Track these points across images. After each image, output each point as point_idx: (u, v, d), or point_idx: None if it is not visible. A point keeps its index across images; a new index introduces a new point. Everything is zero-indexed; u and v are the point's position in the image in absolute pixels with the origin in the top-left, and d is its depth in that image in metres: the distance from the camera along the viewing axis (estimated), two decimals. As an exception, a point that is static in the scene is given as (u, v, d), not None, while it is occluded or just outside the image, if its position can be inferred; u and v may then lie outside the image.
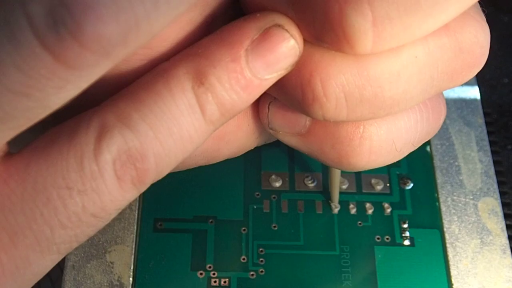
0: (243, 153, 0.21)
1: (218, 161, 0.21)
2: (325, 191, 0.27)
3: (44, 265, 0.17)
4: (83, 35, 0.13)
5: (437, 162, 0.27)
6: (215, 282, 0.24)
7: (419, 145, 0.20)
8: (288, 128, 0.20)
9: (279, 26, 0.17)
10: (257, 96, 0.17)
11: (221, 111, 0.17)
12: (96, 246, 0.25)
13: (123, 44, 0.14)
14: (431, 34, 0.17)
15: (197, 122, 0.17)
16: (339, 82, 0.17)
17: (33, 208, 0.16)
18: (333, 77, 0.17)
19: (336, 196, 0.26)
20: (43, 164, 0.16)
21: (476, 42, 0.17)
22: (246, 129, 0.20)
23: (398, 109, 0.18)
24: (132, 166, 0.16)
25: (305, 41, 0.17)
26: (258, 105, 0.20)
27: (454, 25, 0.17)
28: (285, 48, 0.17)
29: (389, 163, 0.20)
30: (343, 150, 0.19)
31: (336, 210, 0.26)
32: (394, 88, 0.17)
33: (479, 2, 0.18)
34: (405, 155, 0.20)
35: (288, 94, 0.18)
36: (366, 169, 0.20)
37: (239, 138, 0.20)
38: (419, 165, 0.27)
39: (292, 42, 0.17)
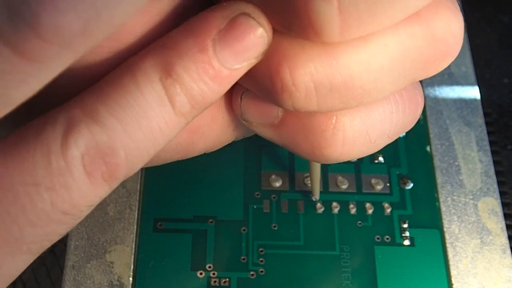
0: (220, 147, 0.21)
1: (194, 155, 0.21)
2: (325, 191, 0.27)
3: (15, 266, 0.16)
4: (41, 26, 0.13)
5: (437, 162, 0.27)
6: (215, 282, 0.24)
7: (396, 137, 0.20)
8: (261, 119, 0.19)
9: (246, 14, 0.16)
10: (228, 87, 0.17)
11: (191, 103, 0.17)
12: (96, 246, 0.25)
13: (84, 35, 0.13)
14: (401, 22, 0.16)
15: (167, 115, 0.16)
16: (308, 71, 0.16)
17: (0, 207, 0.15)
18: (301, 66, 0.16)
19: (317, 189, 0.26)
20: (10, 162, 0.15)
21: (448, 31, 0.17)
22: (221, 122, 0.20)
23: (370, 99, 0.17)
24: (101, 161, 0.16)
25: (274, 29, 0.17)
26: (231, 96, 0.20)
27: (426, 13, 0.17)
28: (253, 36, 0.16)
29: (365, 155, 0.19)
30: (315, 141, 0.19)
31: (316, 199, 0.26)
32: (364, 77, 0.17)
33: None
34: (380, 147, 0.19)
35: (258, 84, 0.18)
36: (341, 161, 0.19)
37: (214, 131, 0.20)
38: (419, 165, 0.27)
39: (260, 30, 0.16)
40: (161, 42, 0.17)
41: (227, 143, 0.21)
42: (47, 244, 0.17)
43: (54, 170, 0.15)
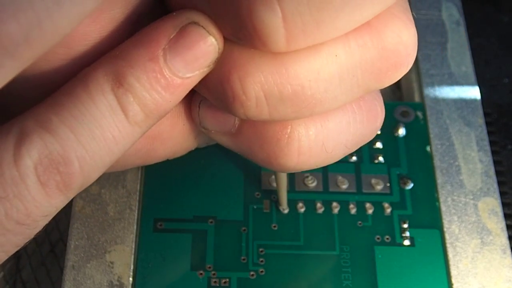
0: (183, 153, 0.21)
1: (156, 161, 0.21)
2: (325, 191, 0.27)
3: None
4: None
5: (437, 162, 0.27)
6: (215, 282, 0.24)
7: (356, 147, 0.20)
8: (219, 127, 0.19)
9: (195, 23, 0.16)
10: (181, 96, 0.17)
11: (145, 112, 0.17)
12: (96, 246, 0.25)
13: (27, 44, 0.13)
14: (352, 32, 0.16)
15: (120, 124, 0.17)
16: (257, 80, 0.16)
17: None
18: (251, 75, 0.16)
19: (284, 199, 0.26)
20: None
21: (399, 42, 0.17)
22: (181, 129, 0.20)
23: (323, 108, 0.17)
24: (55, 171, 0.16)
25: (225, 38, 0.17)
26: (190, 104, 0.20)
27: (377, 24, 0.17)
28: (203, 44, 0.16)
29: (324, 165, 0.19)
30: (271, 150, 0.19)
31: (285, 211, 0.26)
32: (314, 87, 0.17)
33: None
34: (339, 157, 0.19)
35: (211, 92, 0.18)
36: (299, 170, 0.19)
37: (175, 138, 0.20)
38: (419, 165, 0.27)
39: (210, 38, 0.16)
40: (113, 52, 0.17)
41: (190, 150, 0.21)
42: (3, 256, 0.16)
43: (7, 180, 0.15)
